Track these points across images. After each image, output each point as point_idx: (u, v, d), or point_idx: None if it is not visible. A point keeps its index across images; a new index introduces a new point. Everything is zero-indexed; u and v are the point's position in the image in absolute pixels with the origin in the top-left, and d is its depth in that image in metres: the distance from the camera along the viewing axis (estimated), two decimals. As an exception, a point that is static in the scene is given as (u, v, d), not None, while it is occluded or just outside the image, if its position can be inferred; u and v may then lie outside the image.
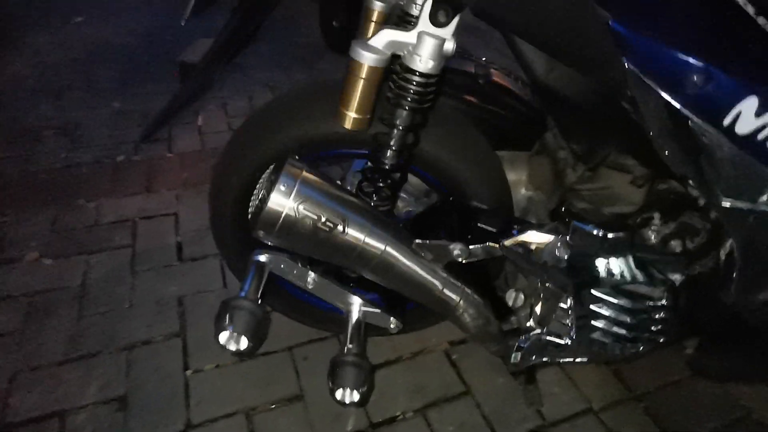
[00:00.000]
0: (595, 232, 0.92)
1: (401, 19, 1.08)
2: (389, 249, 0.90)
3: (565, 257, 0.97)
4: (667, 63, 0.69)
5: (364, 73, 0.82)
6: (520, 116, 1.19)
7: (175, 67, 2.69)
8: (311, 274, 1.03)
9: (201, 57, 1.08)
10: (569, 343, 1.03)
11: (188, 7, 0.95)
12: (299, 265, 1.02)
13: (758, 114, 0.71)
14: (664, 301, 0.98)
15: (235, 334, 0.89)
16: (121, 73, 2.79)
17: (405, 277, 0.93)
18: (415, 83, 0.84)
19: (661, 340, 1.00)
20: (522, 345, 1.04)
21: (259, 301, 0.97)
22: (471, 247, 0.94)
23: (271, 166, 0.92)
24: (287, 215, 0.84)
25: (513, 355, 1.05)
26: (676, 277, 0.97)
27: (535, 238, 0.96)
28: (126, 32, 3.29)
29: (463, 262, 0.94)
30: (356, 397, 0.94)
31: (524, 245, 0.97)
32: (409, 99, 0.85)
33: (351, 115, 0.87)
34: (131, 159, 2.13)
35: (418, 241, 0.93)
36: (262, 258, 1.01)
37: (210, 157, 2.13)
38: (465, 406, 1.31)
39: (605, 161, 0.98)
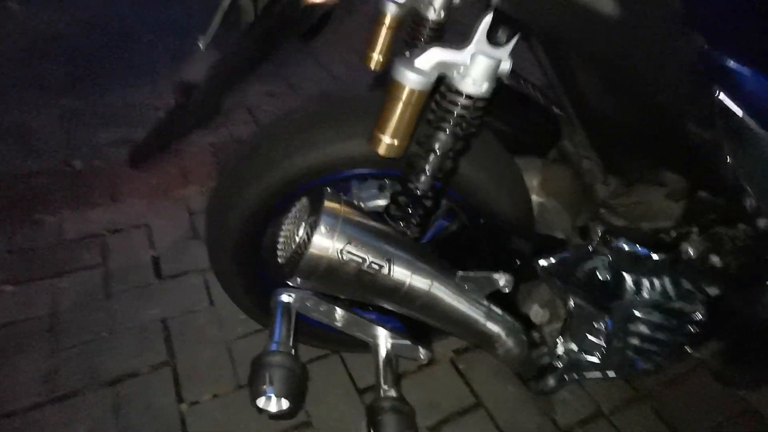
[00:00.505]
0: (639, 252, 0.89)
1: (417, 24, 1.01)
2: (436, 285, 0.84)
3: (606, 278, 0.93)
4: (762, 93, 0.65)
5: (406, 97, 0.73)
6: (531, 121, 1.14)
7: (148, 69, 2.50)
8: (338, 311, 0.97)
9: (206, 78, 0.94)
10: (600, 361, 1.00)
11: (209, 33, 0.84)
12: (325, 302, 0.95)
13: None
14: (699, 316, 0.96)
15: (275, 397, 0.81)
16: (68, 68, 2.55)
17: (450, 313, 0.87)
18: (463, 107, 0.76)
19: (693, 353, 0.99)
20: (555, 365, 1.00)
21: (293, 351, 0.89)
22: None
23: (302, 201, 0.84)
24: (331, 259, 0.76)
25: (546, 379, 1.02)
26: (713, 291, 0.96)
27: (572, 258, 0.92)
28: (71, 21, 3.02)
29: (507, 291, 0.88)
30: None
31: (562, 266, 0.93)
32: (453, 123, 0.78)
33: (387, 140, 0.77)
34: (91, 164, 1.95)
35: (461, 273, 0.87)
36: (287, 298, 0.93)
37: (179, 158, 1.98)
38: (479, 419, 1.27)
39: (641, 178, 0.94)
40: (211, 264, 1.12)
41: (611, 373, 1.02)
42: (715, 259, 0.95)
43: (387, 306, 0.88)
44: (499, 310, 0.93)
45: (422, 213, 0.89)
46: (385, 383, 0.94)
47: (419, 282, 0.83)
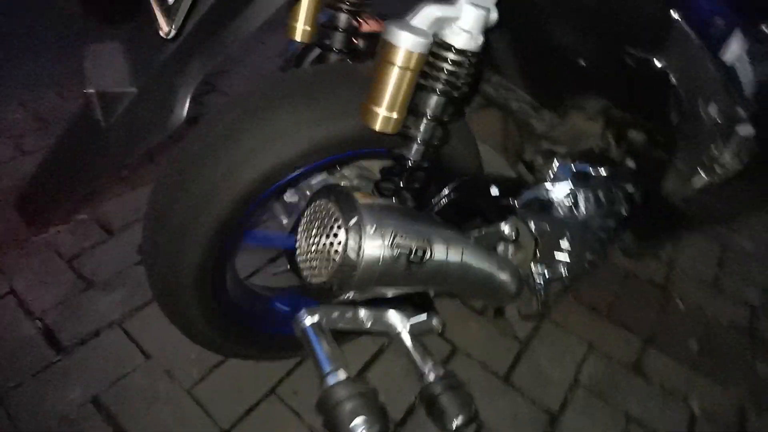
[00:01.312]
0: (586, 170, 1.01)
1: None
2: (466, 254, 0.83)
3: (564, 201, 1.04)
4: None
5: (404, 61, 0.68)
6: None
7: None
8: (362, 312, 0.91)
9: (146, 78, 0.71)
10: (567, 273, 1.14)
11: (175, 21, 0.63)
12: (350, 308, 0.88)
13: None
14: (625, 212, 1.15)
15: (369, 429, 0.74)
16: None
17: (478, 277, 0.88)
18: (458, 64, 0.74)
19: (625, 237, 1.20)
20: (541, 291, 1.11)
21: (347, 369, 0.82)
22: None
23: (315, 206, 0.74)
24: (384, 259, 0.70)
25: (537, 302, 1.12)
26: (631, 188, 1.15)
27: (545, 192, 1.01)
28: None
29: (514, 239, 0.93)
30: (469, 415, 0.89)
31: (537, 203, 1.01)
32: (447, 83, 0.75)
33: (383, 114, 0.72)
34: None
35: (475, 233, 0.88)
36: (315, 318, 0.84)
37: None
38: (460, 362, 1.36)
39: (571, 105, 1.06)
40: (159, 298, 0.97)
41: (572, 281, 1.18)
42: (630, 163, 1.14)
43: (421, 289, 0.87)
44: (503, 258, 0.99)
45: (418, 186, 0.87)
46: (425, 365, 0.94)
47: (454, 255, 0.82)
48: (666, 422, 1.33)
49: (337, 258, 0.71)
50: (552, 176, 1.01)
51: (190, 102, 0.68)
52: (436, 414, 0.88)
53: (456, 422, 0.86)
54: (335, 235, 0.72)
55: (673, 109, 0.97)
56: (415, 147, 0.81)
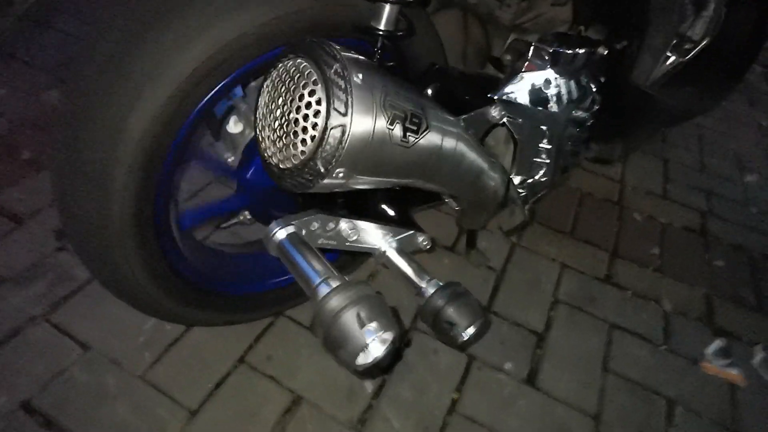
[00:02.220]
0: (571, 54, 0.94)
1: None
2: (460, 139, 0.73)
3: (540, 95, 0.97)
4: None
5: None
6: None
7: None
8: (344, 224, 0.79)
9: None
10: (547, 177, 1.08)
11: None
12: (332, 218, 0.76)
13: None
14: (598, 99, 1.10)
15: (378, 334, 0.61)
16: None
17: (470, 170, 0.78)
18: None
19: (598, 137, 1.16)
20: (523, 199, 1.04)
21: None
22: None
23: (284, 63, 0.62)
24: (378, 125, 0.58)
25: (513, 214, 1.05)
26: (602, 77, 1.09)
27: (520, 84, 0.93)
28: None
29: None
30: (481, 322, 0.79)
31: (511, 98, 0.93)
32: None
33: None
34: None
35: (464, 116, 0.78)
36: (289, 229, 0.71)
37: None
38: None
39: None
40: (94, 266, 0.82)
41: (551, 185, 1.12)
42: (602, 50, 1.09)
43: (410, 182, 0.75)
44: (489, 152, 0.90)
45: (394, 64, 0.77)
46: (421, 280, 0.83)
47: (448, 136, 0.71)
48: (643, 323, 1.33)
49: (319, 121, 0.58)
50: (527, 66, 0.94)
51: None
52: (444, 329, 0.78)
53: (467, 333, 0.77)
54: (312, 93, 0.59)
55: None
56: (386, 11, 0.70)
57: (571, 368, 1.20)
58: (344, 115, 0.56)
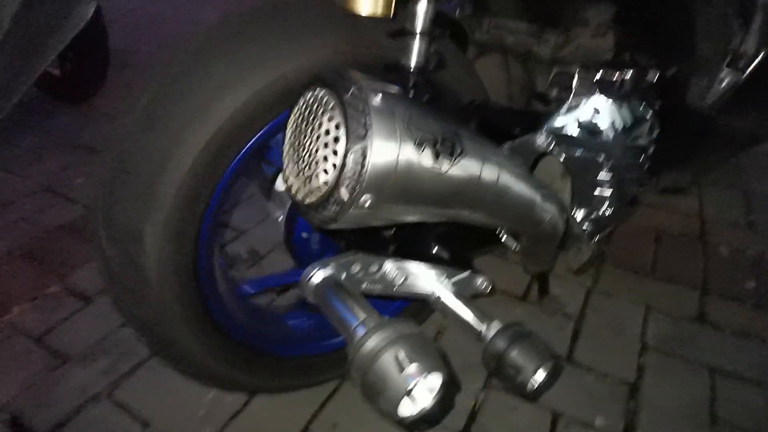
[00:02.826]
0: (619, 79, 0.90)
1: None
2: (503, 164, 0.68)
3: (592, 123, 0.92)
4: None
5: None
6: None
7: None
8: (390, 264, 0.73)
9: None
10: (613, 209, 1.00)
11: None
12: (374, 257, 0.71)
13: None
14: (656, 124, 1.03)
15: (423, 377, 0.54)
16: None
17: (519, 199, 0.72)
18: None
19: (662, 165, 1.07)
20: (588, 233, 0.96)
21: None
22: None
23: (305, 97, 0.60)
24: (404, 148, 0.55)
25: (580, 252, 0.97)
26: (655, 103, 1.04)
27: (568, 115, 0.89)
28: None
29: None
30: (550, 363, 0.70)
31: (562, 131, 0.89)
32: None
33: None
34: None
35: (509, 143, 0.74)
36: (327, 271, 0.67)
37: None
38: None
39: (574, 20, 0.96)
40: (140, 329, 0.79)
41: (620, 217, 1.03)
42: (651, 75, 1.03)
43: (449, 215, 0.70)
44: (541, 182, 0.84)
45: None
46: (481, 324, 0.75)
47: (488, 161, 0.65)
48: (748, 364, 1.16)
49: (339, 149, 0.55)
50: (573, 96, 0.89)
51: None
52: (509, 375, 0.69)
53: (536, 380, 0.68)
54: (330, 119, 0.56)
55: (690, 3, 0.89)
56: (414, 47, 0.68)
57: (674, 420, 1.04)
58: (364, 137, 0.52)
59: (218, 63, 0.67)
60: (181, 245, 0.70)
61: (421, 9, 0.66)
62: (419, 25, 0.67)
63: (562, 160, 0.92)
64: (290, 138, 0.62)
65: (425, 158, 0.57)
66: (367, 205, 0.55)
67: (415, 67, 0.69)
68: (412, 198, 0.60)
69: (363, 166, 0.52)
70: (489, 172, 0.66)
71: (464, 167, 0.62)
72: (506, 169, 0.69)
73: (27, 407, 1.03)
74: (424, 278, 0.78)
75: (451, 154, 0.59)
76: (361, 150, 0.52)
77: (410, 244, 0.82)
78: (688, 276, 1.42)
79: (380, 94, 0.54)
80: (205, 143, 0.66)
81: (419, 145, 0.56)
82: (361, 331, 0.59)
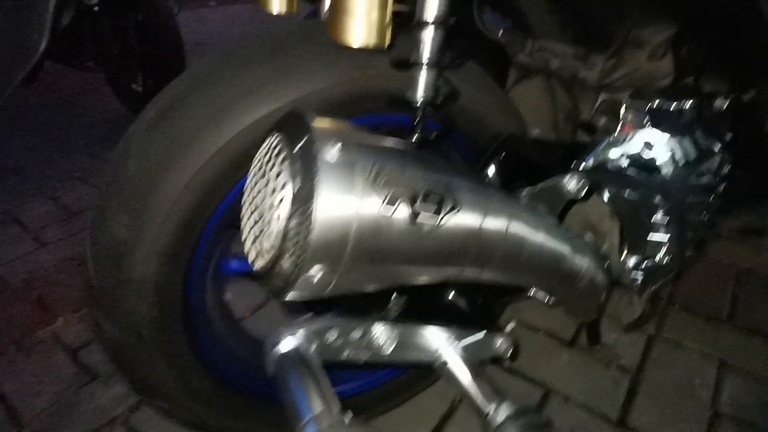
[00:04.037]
0: (678, 108, 0.77)
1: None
2: (514, 217, 0.58)
3: (642, 158, 0.80)
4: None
5: None
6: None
7: None
8: (379, 327, 0.65)
9: None
10: (671, 255, 0.86)
11: None
12: (356, 321, 0.63)
13: None
14: (726, 159, 0.89)
15: None
16: None
17: (538, 253, 0.63)
18: None
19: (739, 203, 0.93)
20: (640, 285, 0.84)
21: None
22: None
23: (264, 144, 0.53)
24: (366, 207, 0.47)
25: (632, 306, 0.85)
26: (725, 132, 0.90)
27: (616, 148, 0.77)
28: None
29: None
30: None
31: (609, 167, 0.77)
32: None
33: (359, 23, 0.53)
34: None
35: (526, 190, 0.64)
36: (292, 342, 0.59)
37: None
38: (557, 408, 1.05)
39: (626, 42, 0.84)
40: (115, 356, 0.76)
41: (681, 264, 0.90)
42: (719, 101, 0.89)
43: (463, 275, 0.60)
44: (571, 231, 0.73)
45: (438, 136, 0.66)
46: (489, 402, 0.65)
47: (495, 218, 0.57)
48: None
49: (282, 211, 0.47)
50: (621, 127, 0.78)
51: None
52: None
53: None
54: (277, 176, 0.48)
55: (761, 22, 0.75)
56: (421, 78, 0.60)
57: None
58: (308, 198, 0.45)
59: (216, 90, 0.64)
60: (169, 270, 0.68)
61: (427, 36, 0.58)
62: (425, 54, 0.59)
63: (606, 200, 0.80)
64: (247, 187, 0.55)
65: (400, 216, 0.49)
66: (318, 276, 0.47)
67: (422, 102, 0.61)
68: (391, 261, 0.52)
69: (305, 233, 0.45)
70: (492, 226, 0.57)
71: (458, 222, 0.53)
72: (520, 221, 0.60)
73: (47, 426, 1.06)
74: (429, 339, 0.69)
75: (438, 210, 0.51)
76: (302, 214, 0.45)
77: (407, 302, 0.73)
78: (775, 326, 1.23)
79: (338, 145, 0.46)
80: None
81: (391, 202, 0.48)
82: (310, 430, 0.51)
